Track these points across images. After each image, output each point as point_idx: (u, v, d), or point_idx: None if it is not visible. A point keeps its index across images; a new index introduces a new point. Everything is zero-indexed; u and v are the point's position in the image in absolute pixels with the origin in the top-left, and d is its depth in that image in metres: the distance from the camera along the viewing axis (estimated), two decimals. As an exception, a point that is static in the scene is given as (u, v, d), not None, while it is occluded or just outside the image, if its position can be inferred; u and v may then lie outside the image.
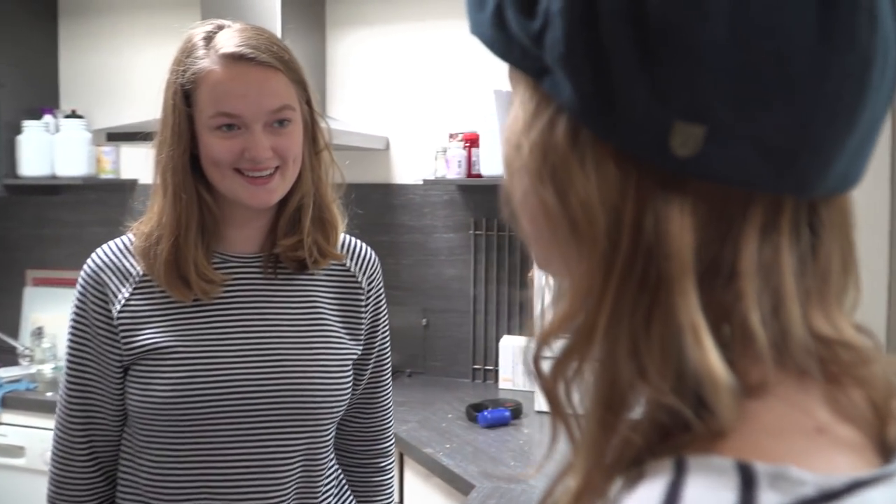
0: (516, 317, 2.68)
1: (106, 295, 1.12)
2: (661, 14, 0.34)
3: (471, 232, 2.70)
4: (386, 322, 1.30)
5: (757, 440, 0.36)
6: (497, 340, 2.65)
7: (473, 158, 2.52)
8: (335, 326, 1.19)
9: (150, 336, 1.10)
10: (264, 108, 1.07)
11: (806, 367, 0.37)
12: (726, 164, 0.35)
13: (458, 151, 2.52)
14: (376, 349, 1.28)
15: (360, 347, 1.23)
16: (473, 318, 2.73)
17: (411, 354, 2.81)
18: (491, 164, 2.45)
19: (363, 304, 1.24)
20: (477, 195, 2.69)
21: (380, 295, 1.28)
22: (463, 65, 2.69)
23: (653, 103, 0.35)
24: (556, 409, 0.41)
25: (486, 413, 2.19)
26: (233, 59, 1.07)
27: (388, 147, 2.83)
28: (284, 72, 1.10)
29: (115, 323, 1.11)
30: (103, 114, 3.08)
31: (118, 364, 1.12)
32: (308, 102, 1.15)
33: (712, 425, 0.35)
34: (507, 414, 2.20)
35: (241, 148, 1.07)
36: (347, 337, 1.20)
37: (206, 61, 1.07)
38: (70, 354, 1.14)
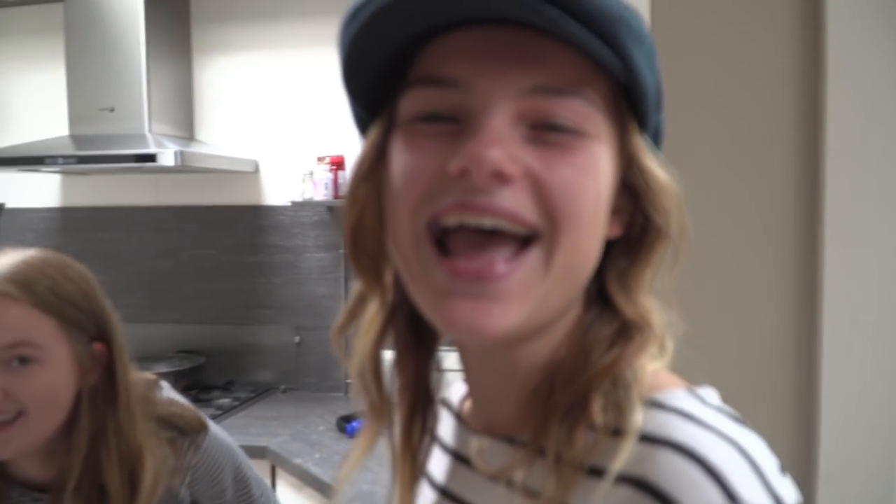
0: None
1: None
2: None
3: (340, 251, 2.80)
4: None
5: None
6: (368, 354, 2.76)
7: (340, 181, 2.63)
8: None
9: None
10: None
11: None
12: None
13: (324, 174, 2.63)
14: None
15: None
16: (345, 334, 2.82)
17: (285, 371, 2.88)
18: (356, 186, 2.56)
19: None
20: (345, 215, 2.78)
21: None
22: (329, 91, 2.80)
23: None
24: None
25: (354, 423, 2.29)
26: None
27: (257, 170, 2.90)
28: (28, 302, 0.93)
29: None
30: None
31: None
32: (103, 338, 1.00)
33: None
34: (376, 423, 2.31)
35: None
36: None
37: None
38: None
